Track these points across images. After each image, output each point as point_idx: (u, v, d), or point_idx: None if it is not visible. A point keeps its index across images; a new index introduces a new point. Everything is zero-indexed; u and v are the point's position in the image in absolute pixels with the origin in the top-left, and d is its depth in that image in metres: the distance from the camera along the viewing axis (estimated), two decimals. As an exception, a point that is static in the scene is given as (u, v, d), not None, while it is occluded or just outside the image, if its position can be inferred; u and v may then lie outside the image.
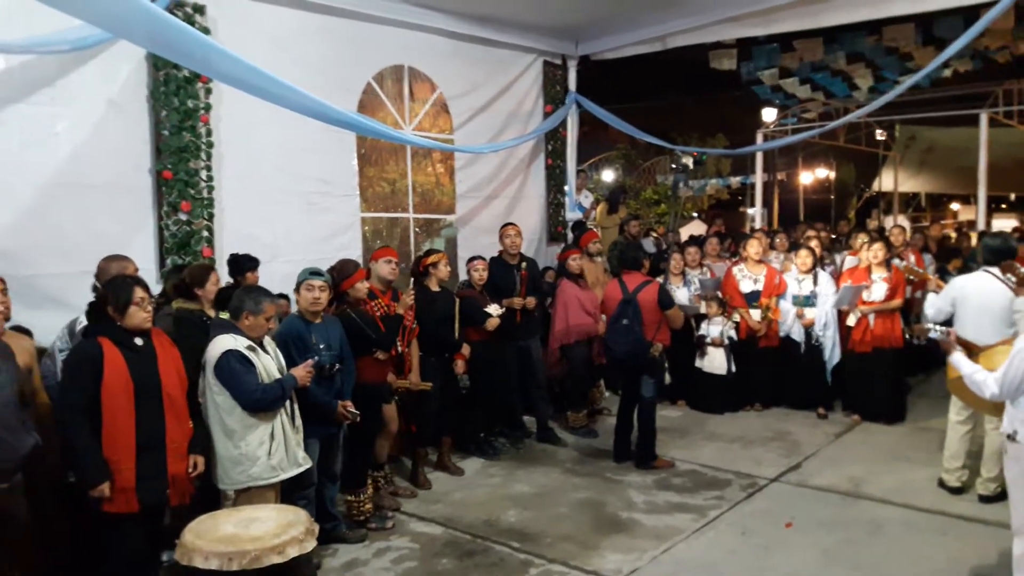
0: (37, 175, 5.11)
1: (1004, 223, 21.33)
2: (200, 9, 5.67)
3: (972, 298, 5.29)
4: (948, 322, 5.40)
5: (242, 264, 5.33)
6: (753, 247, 7.77)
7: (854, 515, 5.25)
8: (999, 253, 5.29)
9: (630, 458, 6.29)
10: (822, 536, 4.92)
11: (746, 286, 7.69)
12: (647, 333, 6.02)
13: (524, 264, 6.89)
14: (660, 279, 8.01)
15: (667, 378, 7.06)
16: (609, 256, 8.40)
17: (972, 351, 4.30)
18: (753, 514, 5.33)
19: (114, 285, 3.83)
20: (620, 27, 8.43)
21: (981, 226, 13.13)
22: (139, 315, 3.74)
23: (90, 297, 4.22)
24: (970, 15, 7.60)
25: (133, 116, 5.56)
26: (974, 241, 10.67)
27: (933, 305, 5.62)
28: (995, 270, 5.25)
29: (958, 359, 3.98)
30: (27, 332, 4.60)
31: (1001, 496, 4.89)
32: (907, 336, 6.96)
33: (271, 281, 5.25)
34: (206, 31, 5.59)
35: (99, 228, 5.31)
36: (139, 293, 3.74)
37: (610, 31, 8.58)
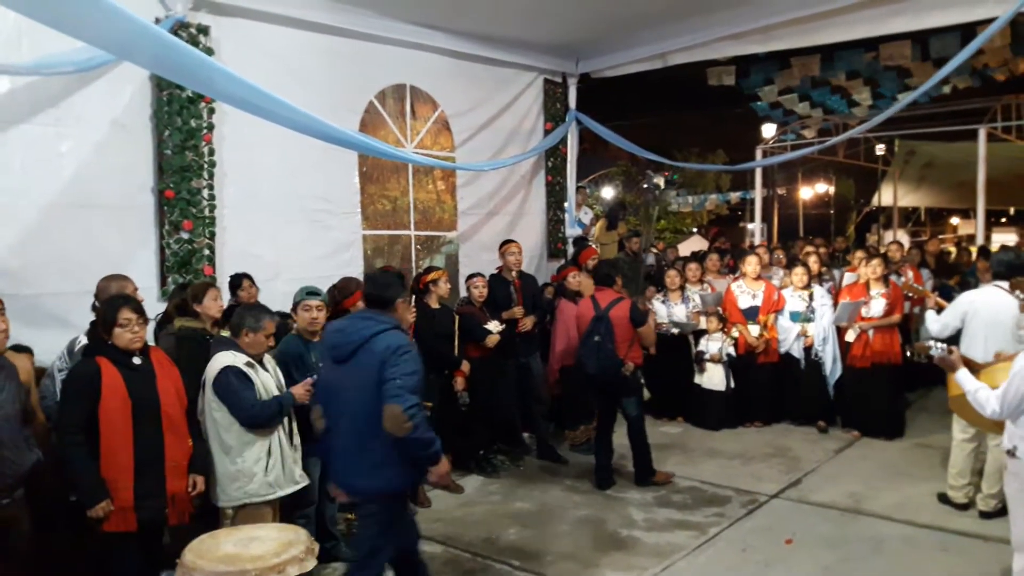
0: (41, 195, 5.17)
1: (1004, 237, 21.34)
2: (204, 30, 5.74)
3: (983, 312, 5.28)
4: (951, 339, 5.41)
5: (234, 282, 5.48)
6: (751, 264, 7.80)
7: (854, 531, 5.25)
8: (1011, 267, 5.29)
9: (612, 484, 6.20)
10: (822, 553, 4.91)
11: (744, 302, 7.71)
12: (619, 350, 5.95)
13: (514, 273, 6.89)
14: (660, 295, 8.06)
15: (646, 394, 7.01)
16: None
17: (973, 368, 4.31)
18: (753, 531, 5.32)
19: (105, 305, 3.87)
20: (620, 45, 8.50)
21: (980, 240, 13.14)
22: (124, 336, 3.75)
23: (91, 316, 4.25)
24: (967, 32, 7.66)
25: (136, 136, 5.62)
26: (974, 255, 10.68)
27: (939, 320, 5.60)
28: (1005, 284, 5.25)
29: (963, 377, 3.98)
30: (27, 350, 4.63)
31: (1002, 512, 4.89)
32: (907, 353, 6.96)
33: (272, 299, 5.29)
34: (210, 52, 5.65)
35: (101, 247, 5.36)
36: (125, 314, 3.75)
37: (610, 49, 8.66)
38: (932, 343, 4.27)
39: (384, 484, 3.63)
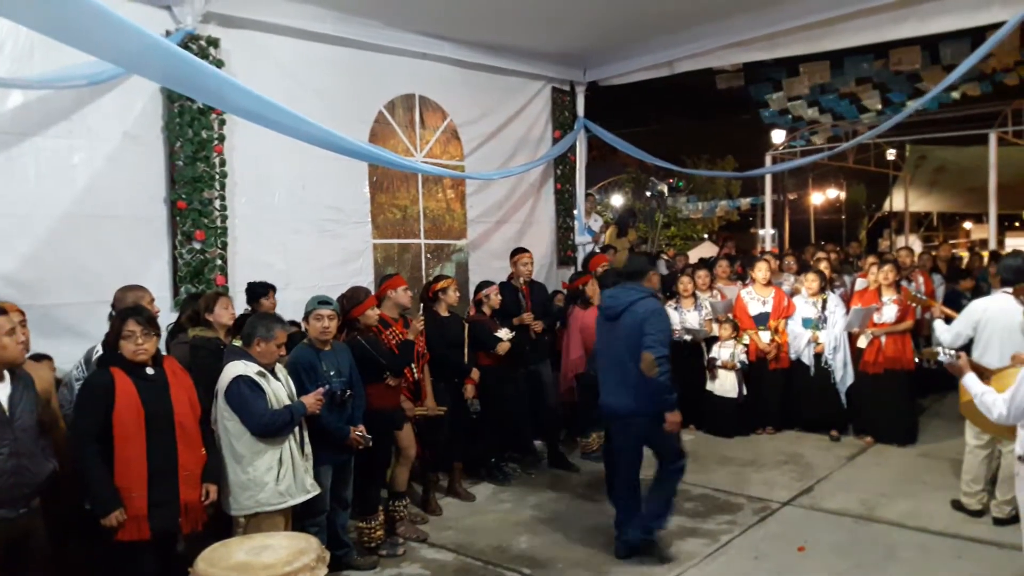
0: (55, 206, 5.23)
1: (1017, 241, 21.23)
2: (214, 42, 5.79)
3: (998, 319, 5.22)
4: (963, 347, 5.38)
5: (255, 291, 5.41)
6: (761, 270, 7.79)
7: (867, 538, 5.23)
8: (1018, 273, 5.25)
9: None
10: (835, 560, 4.89)
11: (754, 308, 7.70)
12: None
13: (522, 280, 6.91)
14: (673, 301, 8.03)
15: None
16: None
17: (983, 374, 4.29)
18: (766, 538, 5.30)
19: (115, 317, 3.91)
20: (627, 53, 8.52)
21: (993, 245, 13.09)
22: (127, 347, 3.77)
23: (106, 326, 4.29)
24: (978, 37, 7.64)
25: (148, 147, 5.67)
26: (986, 260, 10.63)
27: (951, 330, 5.52)
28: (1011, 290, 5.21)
29: (969, 380, 3.98)
30: (47, 358, 4.68)
31: (1016, 519, 4.83)
32: (916, 359, 6.93)
33: (283, 308, 5.32)
34: (220, 64, 5.71)
35: (115, 258, 5.41)
36: (129, 326, 3.77)
37: (617, 57, 8.68)
38: (940, 348, 4.25)
39: (639, 406, 4.84)
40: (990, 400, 3.81)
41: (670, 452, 5.06)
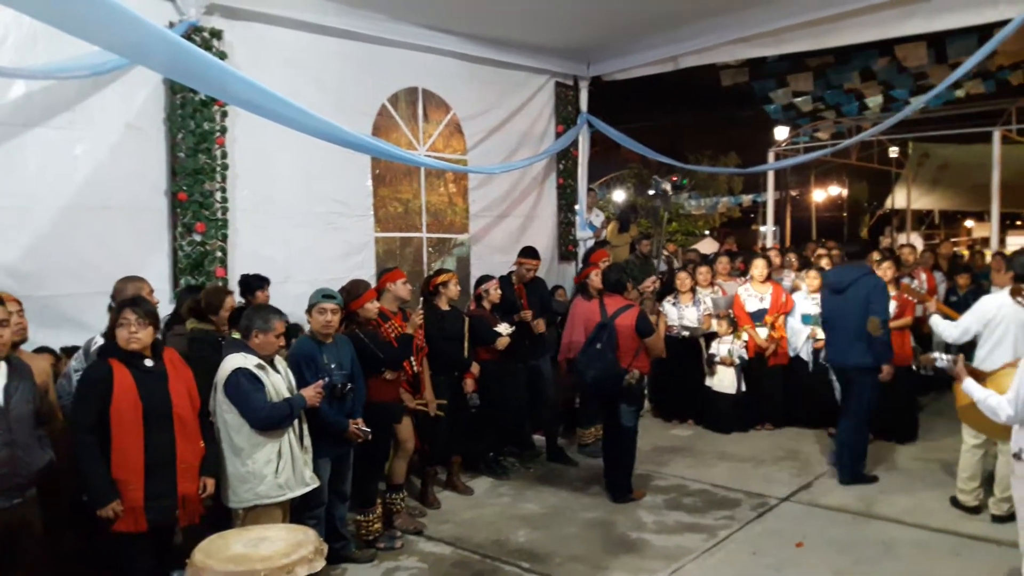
0: (55, 197, 5.22)
1: (1019, 240, 21.19)
2: (217, 34, 5.78)
3: (1014, 315, 5.15)
4: (967, 345, 5.36)
5: (251, 284, 5.41)
6: (758, 267, 7.79)
7: (865, 535, 5.23)
8: None
9: (626, 495, 6.02)
10: (833, 556, 4.89)
11: (752, 304, 7.71)
12: (622, 360, 5.77)
13: (511, 275, 6.90)
14: (671, 298, 8.03)
15: (646, 404, 6.91)
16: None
17: (979, 376, 4.29)
18: (764, 534, 5.31)
19: (114, 307, 3.91)
20: (631, 48, 8.51)
21: (995, 244, 13.06)
22: (121, 335, 3.76)
23: (106, 317, 4.29)
24: (985, 34, 7.62)
25: (150, 139, 5.67)
26: (988, 259, 10.61)
27: (958, 326, 5.47)
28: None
29: (970, 386, 3.95)
30: (52, 352, 4.69)
31: (1013, 516, 4.84)
32: (913, 367, 6.90)
33: (284, 301, 5.30)
34: (223, 55, 5.70)
35: (115, 249, 5.41)
36: (125, 315, 3.76)
37: (621, 52, 8.66)
38: (937, 355, 4.24)
39: (866, 362, 6.06)
40: (995, 403, 3.78)
41: (861, 403, 6.15)
